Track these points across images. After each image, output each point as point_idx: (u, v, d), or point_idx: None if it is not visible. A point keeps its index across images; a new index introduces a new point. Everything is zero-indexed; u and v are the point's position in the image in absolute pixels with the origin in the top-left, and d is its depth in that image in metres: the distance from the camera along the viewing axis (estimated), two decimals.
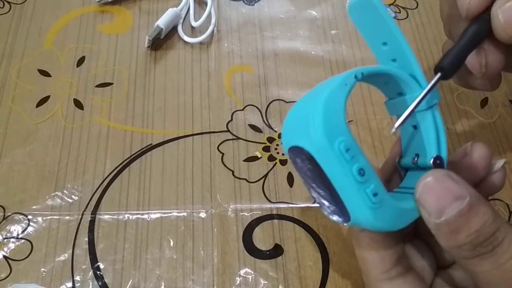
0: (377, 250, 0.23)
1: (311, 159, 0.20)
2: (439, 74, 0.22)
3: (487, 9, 0.23)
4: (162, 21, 0.40)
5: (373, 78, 0.23)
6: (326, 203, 0.21)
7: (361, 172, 0.19)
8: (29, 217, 0.33)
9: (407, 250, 0.25)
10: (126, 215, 0.33)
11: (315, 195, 0.22)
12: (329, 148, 0.19)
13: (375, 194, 0.20)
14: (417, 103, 0.21)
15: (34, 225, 0.32)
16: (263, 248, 0.32)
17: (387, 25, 0.22)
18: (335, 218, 0.22)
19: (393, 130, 0.21)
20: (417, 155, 0.23)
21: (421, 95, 0.22)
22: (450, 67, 0.22)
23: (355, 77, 0.21)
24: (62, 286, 0.30)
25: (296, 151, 0.21)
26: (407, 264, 0.24)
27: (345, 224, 0.22)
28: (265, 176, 0.35)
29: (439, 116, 0.23)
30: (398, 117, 0.22)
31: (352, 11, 0.23)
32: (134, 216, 0.33)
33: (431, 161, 0.22)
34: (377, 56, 0.23)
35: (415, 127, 0.24)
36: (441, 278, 0.25)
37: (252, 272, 0.31)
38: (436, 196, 0.20)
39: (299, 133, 0.20)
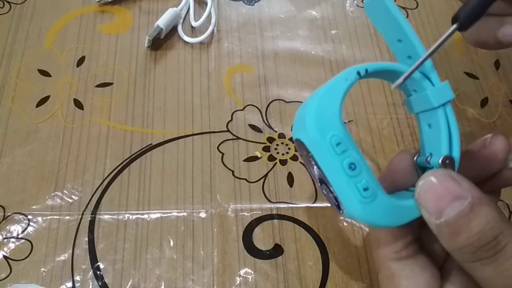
0: (392, 231, 0.23)
1: (308, 151, 0.21)
2: (454, 26, 0.21)
3: None
4: (162, 21, 0.40)
5: (385, 74, 0.23)
6: (327, 193, 0.22)
7: (352, 166, 0.20)
8: (29, 217, 0.33)
9: (421, 232, 0.24)
10: (126, 215, 0.33)
11: (318, 185, 0.23)
12: (321, 141, 0.20)
13: (365, 189, 0.20)
14: (423, 60, 0.21)
15: (34, 225, 0.32)
16: (263, 248, 0.32)
17: (398, 22, 0.22)
18: (334, 208, 0.22)
19: (393, 87, 0.22)
20: (431, 154, 0.23)
21: (431, 49, 0.21)
22: (467, 16, 0.21)
23: (358, 73, 0.21)
24: (62, 286, 0.30)
25: (298, 143, 0.22)
26: (419, 246, 0.23)
27: (342, 216, 0.22)
28: (265, 176, 0.35)
29: (452, 115, 0.22)
30: (417, 115, 0.23)
31: (367, 9, 0.23)
32: (134, 216, 0.33)
33: (440, 161, 0.22)
34: (394, 52, 0.24)
35: (429, 125, 0.23)
36: (452, 261, 0.24)
37: (252, 272, 0.31)
38: (435, 196, 0.20)
39: (299, 126, 0.21)
